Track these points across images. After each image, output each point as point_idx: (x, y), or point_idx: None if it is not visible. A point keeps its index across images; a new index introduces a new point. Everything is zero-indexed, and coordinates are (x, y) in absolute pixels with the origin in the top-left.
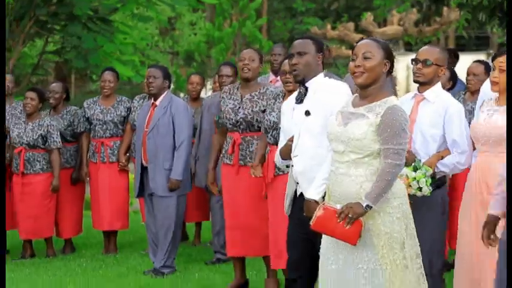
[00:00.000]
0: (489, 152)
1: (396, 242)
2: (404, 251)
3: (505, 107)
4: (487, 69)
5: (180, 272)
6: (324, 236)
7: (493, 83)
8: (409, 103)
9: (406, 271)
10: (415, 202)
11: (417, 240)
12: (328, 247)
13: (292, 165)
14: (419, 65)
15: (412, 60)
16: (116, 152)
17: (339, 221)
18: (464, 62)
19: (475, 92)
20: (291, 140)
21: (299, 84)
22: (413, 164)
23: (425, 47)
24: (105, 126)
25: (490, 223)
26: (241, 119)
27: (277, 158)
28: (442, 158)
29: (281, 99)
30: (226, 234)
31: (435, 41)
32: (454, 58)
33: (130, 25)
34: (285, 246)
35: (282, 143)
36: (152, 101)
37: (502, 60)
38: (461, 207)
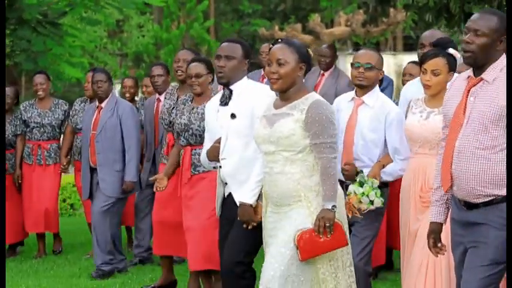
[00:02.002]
0: (427, 154)
1: None
2: (336, 256)
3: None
4: None
5: (133, 273)
6: (266, 252)
7: (426, 86)
8: (347, 106)
9: (337, 278)
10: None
11: (351, 248)
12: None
13: (220, 167)
14: (361, 69)
15: (351, 64)
16: (52, 154)
17: (321, 236)
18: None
19: None
20: (218, 141)
21: (223, 86)
22: (357, 179)
23: (364, 51)
24: (42, 129)
25: (435, 232)
26: (173, 120)
27: (203, 160)
28: (384, 166)
29: (189, 103)
30: (154, 232)
31: (383, 41)
32: None
33: (79, 28)
34: (208, 247)
35: (207, 144)
36: (97, 103)
37: (434, 64)
38: (400, 210)
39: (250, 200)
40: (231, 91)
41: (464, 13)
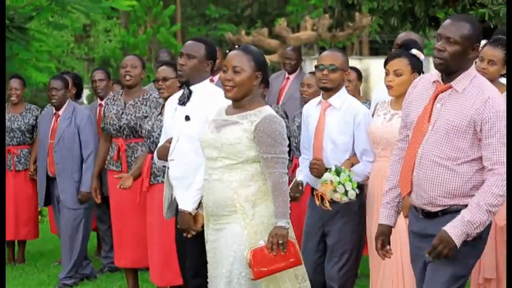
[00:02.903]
0: (389, 157)
1: None
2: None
3: None
4: (359, 75)
5: (102, 280)
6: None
7: (389, 87)
8: (315, 110)
9: None
10: (331, 211)
11: (329, 266)
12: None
13: (168, 168)
14: (325, 71)
15: (316, 66)
16: (22, 160)
17: (274, 253)
18: (380, 66)
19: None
20: (169, 141)
21: (183, 85)
22: (332, 168)
23: (328, 52)
24: (12, 133)
25: (384, 234)
26: (124, 125)
27: (155, 157)
28: (352, 165)
29: (160, 109)
30: (114, 244)
31: (349, 45)
32: None
33: (45, 33)
34: (167, 258)
35: (161, 142)
36: (54, 111)
37: (396, 64)
38: (366, 215)
39: (190, 207)
40: (190, 91)
41: (429, 17)
